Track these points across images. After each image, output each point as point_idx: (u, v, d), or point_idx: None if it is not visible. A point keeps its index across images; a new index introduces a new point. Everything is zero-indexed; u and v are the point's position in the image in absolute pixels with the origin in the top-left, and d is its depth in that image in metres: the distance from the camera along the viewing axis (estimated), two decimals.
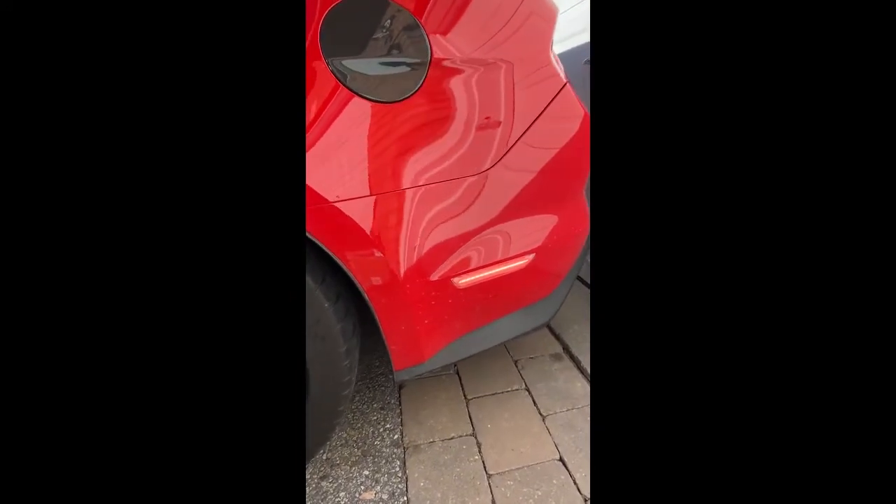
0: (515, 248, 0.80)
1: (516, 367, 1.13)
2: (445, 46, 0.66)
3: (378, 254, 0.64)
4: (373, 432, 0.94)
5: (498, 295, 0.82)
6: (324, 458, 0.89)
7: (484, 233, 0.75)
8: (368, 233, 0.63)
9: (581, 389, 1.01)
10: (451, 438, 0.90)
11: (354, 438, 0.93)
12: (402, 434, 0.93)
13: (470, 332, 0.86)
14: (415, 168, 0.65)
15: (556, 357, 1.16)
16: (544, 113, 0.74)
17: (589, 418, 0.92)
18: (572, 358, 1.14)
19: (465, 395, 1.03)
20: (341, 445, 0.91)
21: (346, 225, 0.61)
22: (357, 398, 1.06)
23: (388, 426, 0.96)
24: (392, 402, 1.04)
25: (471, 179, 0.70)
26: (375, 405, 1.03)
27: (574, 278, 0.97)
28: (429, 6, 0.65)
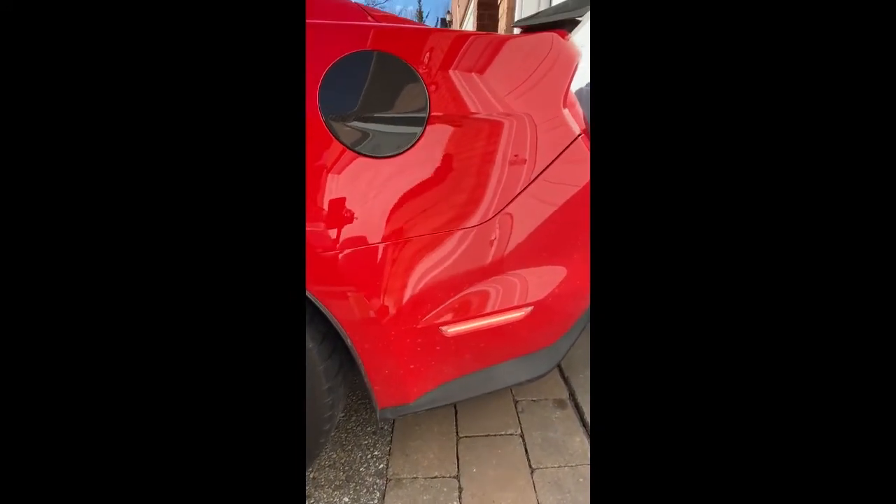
0: (512, 301, 0.77)
1: (516, 408, 1.09)
2: (445, 101, 0.64)
3: (362, 301, 0.65)
4: (360, 457, 0.96)
5: (491, 343, 0.80)
6: (310, 476, 0.92)
7: (477, 284, 0.73)
8: (353, 281, 0.63)
9: (579, 446, 0.96)
10: (435, 478, 0.90)
11: (343, 461, 0.95)
12: (387, 464, 0.94)
13: (463, 376, 0.84)
14: (405, 220, 0.65)
15: (560, 404, 1.11)
16: (551, 165, 0.70)
17: (579, 480, 0.87)
18: (576, 407, 1.09)
19: (457, 432, 1.02)
20: (329, 466, 0.94)
21: (331, 273, 0.62)
22: (353, 418, 1.09)
23: (376, 453, 0.97)
24: (385, 427, 1.05)
25: (460, 232, 0.68)
26: (369, 428, 1.05)
27: (582, 328, 0.92)
28: (429, 60, 0.64)
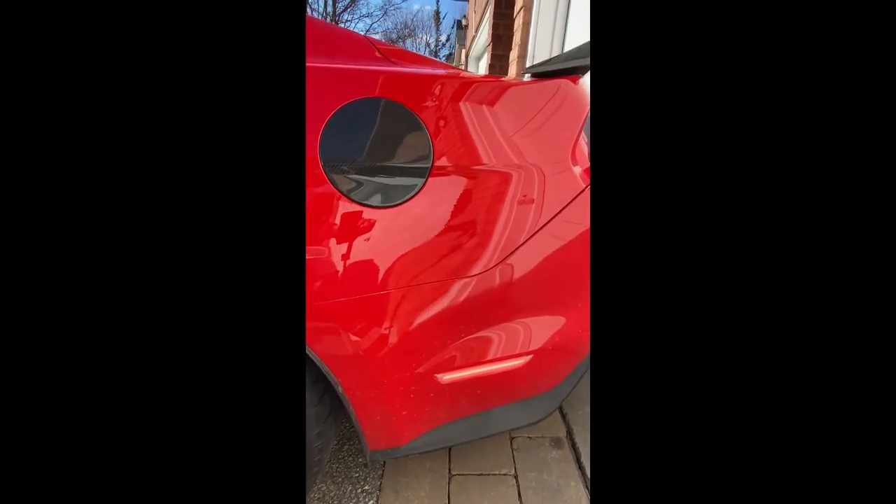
0: (512, 349, 0.75)
1: (511, 446, 1.07)
2: (449, 151, 0.62)
3: (355, 350, 0.63)
4: (350, 491, 0.95)
5: (489, 389, 0.78)
6: None
7: (475, 333, 0.71)
8: (347, 330, 0.62)
9: (573, 492, 0.94)
10: None
11: (332, 494, 0.94)
12: (377, 501, 0.92)
13: (458, 420, 0.82)
14: (403, 269, 0.63)
15: (556, 443, 1.09)
16: (556, 217, 0.68)
17: None
18: (573, 447, 1.06)
19: (449, 470, 1.00)
20: (318, 499, 0.93)
21: (324, 323, 0.61)
22: (345, 447, 1.08)
23: (366, 487, 0.96)
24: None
25: (459, 282, 0.67)
26: (360, 460, 1.04)
27: (585, 370, 0.90)
28: (435, 109, 0.62)
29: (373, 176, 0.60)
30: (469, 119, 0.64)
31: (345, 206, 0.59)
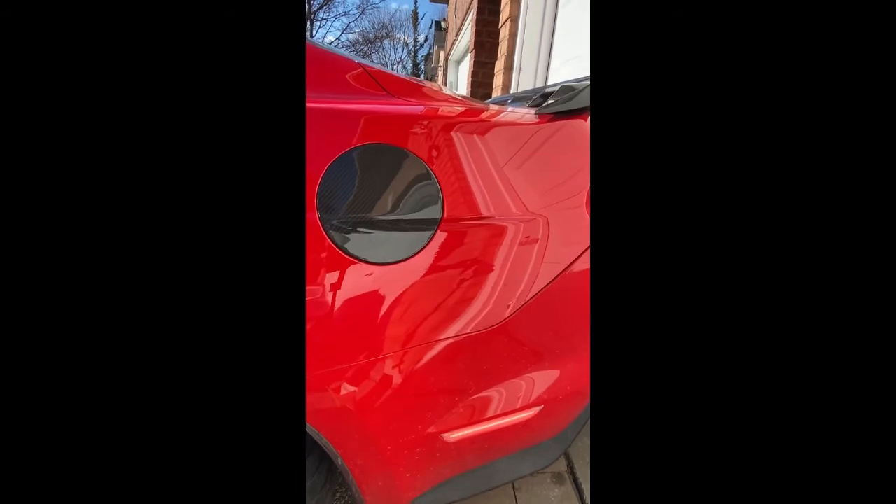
0: (519, 402, 0.71)
1: (512, 486, 1.03)
2: (460, 201, 0.58)
3: (356, 419, 0.58)
4: None
5: (495, 442, 0.74)
6: None
7: (484, 391, 0.67)
8: (348, 400, 0.56)
9: None
10: None
11: None
12: None
13: (462, 474, 0.78)
14: (406, 329, 0.58)
15: (558, 479, 1.05)
16: (567, 269, 0.65)
17: None
18: (575, 483, 1.03)
19: None
20: None
21: (323, 394, 0.55)
22: (338, 494, 1.01)
23: None
24: None
25: (465, 339, 0.62)
26: None
27: (587, 417, 0.87)
28: (444, 154, 0.57)
29: (376, 230, 0.55)
30: (483, 165, 0.59)
31: (344, 265, 0.53)
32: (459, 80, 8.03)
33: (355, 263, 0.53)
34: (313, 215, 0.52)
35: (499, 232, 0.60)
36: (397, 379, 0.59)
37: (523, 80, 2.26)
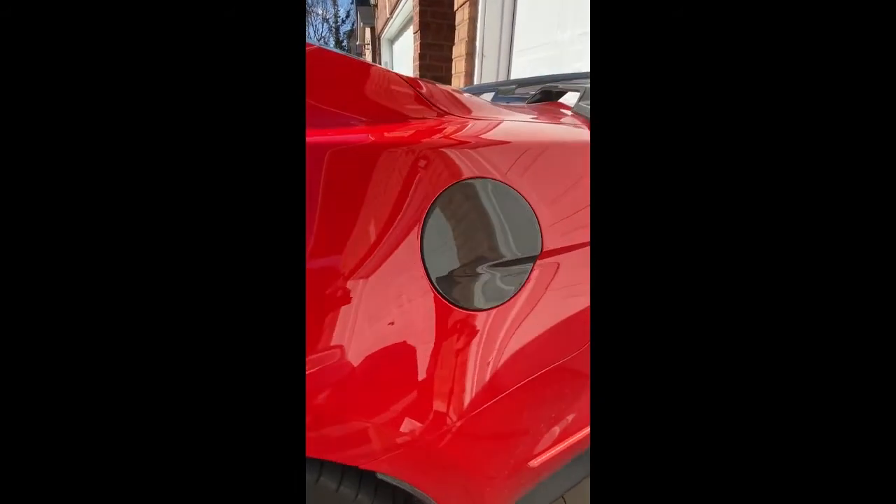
0: (587, 417, 0.72)
1: None
2: (556, 231, 0.55)
3: (466, 479, 0.54)
4: None
5: (564, 456, 0.75)
6: None
7: (568, 415, 0.67)
8: (458, 461, 0.53)
9: None
10: None
11: None
12: None
13: (533, 488, 0.78)
14: (508, 374, 0.55)
15: None
16: None
17: None
18: None
19: None
20: None
21: (433, 461, 0.51)
22: None
23: None
24: None
25: (563, 371, 0.61)
26: None
27: None
28: (538, 182, 0.54)
29: (479, 274, 0.50)
30: (574, 186, 0.56)
31: (451, 315, 0.48)
32: (395, 60, 7.74)
33: (460, 311, 0.49)
34: (419, 267, 0.46)
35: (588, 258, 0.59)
36: (501, 423, 0.56)
37: (487, 67, 2.22)
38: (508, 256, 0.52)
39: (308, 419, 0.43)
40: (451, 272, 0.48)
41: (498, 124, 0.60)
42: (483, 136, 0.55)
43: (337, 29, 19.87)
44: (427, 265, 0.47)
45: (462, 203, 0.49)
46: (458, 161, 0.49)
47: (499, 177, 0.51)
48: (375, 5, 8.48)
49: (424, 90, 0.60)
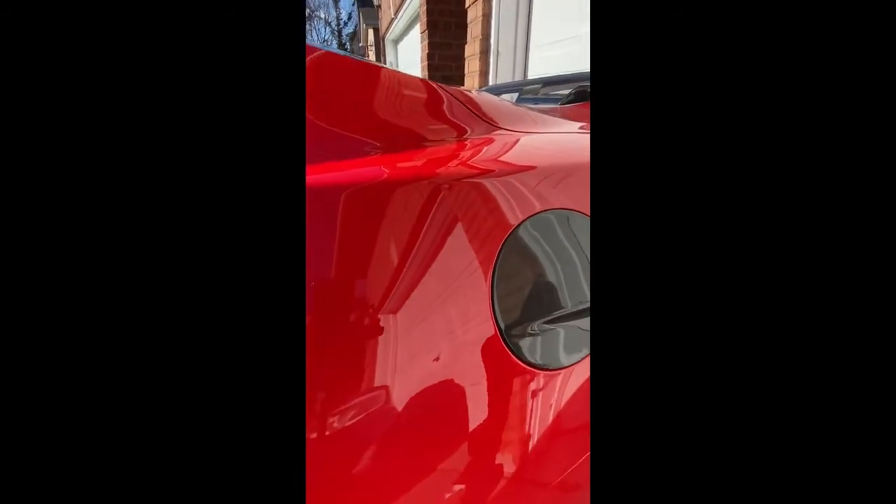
0: None
1: None
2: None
3: None
4: None
5: None
6: None
7: None
8: None
9: None
10: None
11: None
12: None
13: None
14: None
15: None
16: None
17: None
18: None
19: None
20: None
21: None
22: None
23: None
24: None
25: None
26: None
27: None
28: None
29: (555, 327, 0.41)
30: None
31: (530, 378, 0.40)
32: (400, 60, 7.66)
33: (541, 372, 0.40)
34: (489, 321, 0.37)
35: None
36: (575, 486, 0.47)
37: (502, 66, 2.11)
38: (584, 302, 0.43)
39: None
40: (525, 325, 0.39)
41: (568, 141, 0.51)
42: (556, 159, 0.46)
43: (339, 31, 19.87)
44: (498, 317, 0.38)
45: (535, 241, 0.40)
46: (525, 191, 0.40)
47: (576, 207, 0.42)
48: (379, 6, 8.39)
49: (476, 104, 0.51)
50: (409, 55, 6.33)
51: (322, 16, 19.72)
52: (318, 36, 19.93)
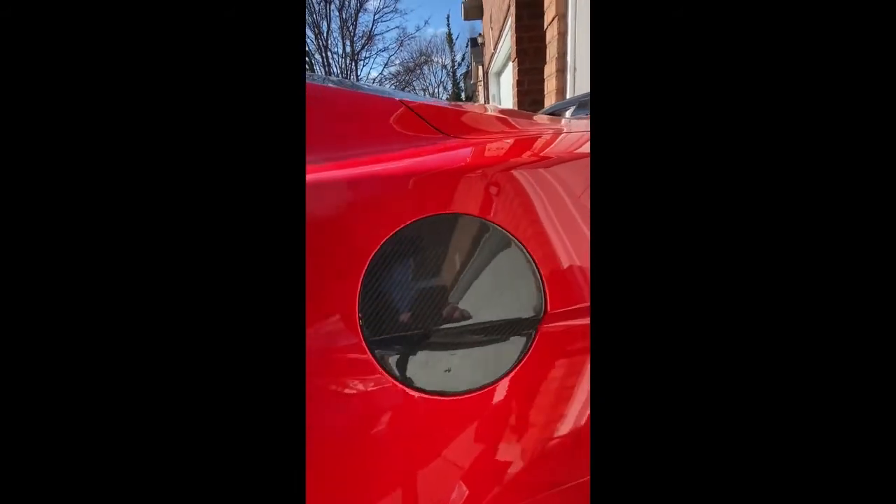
0: None
1: None
2: (563, 288, 0.38)
3: None
4: None
5: None
6: None
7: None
8: None
9: None
10: None
11: None
12: None
13: None
14: (500, 477, 0.38)
15: None
16: None
17: None
18: None
19: None
20: None
21: None
22: None
23: None
24: None
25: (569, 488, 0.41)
26: None
27: None
28: (542, 225, 0.38)
29: (448, 347, 0.36)
30: (576, 237, 0.39)
31: (407, 401, 0.36)
32: (502, 92, 7.88)
33: (420, 394, 0.36)
34: (355, 332, 0.35)
35: None
36: None
37: (580, 81, 2.00)
38: (493, 320, 0.37)
39: None
40: (400, 341, 0.36)
41: (508, 143, 0.46)
42: (480, 158, 0.42)
43: (454, 72, 21.45)
44: (364, 329, 0.35)
45: (422, 246, 0.37)
46: (423, 190, 0.38)
47: (476, 212, 0.38)
48: (482, 43, 8.86)
49: (432, 114, 0.51)
50: (508, 86, 6.47)
51: (438, 60, 21.62)
52: (436, 78, 21.84)
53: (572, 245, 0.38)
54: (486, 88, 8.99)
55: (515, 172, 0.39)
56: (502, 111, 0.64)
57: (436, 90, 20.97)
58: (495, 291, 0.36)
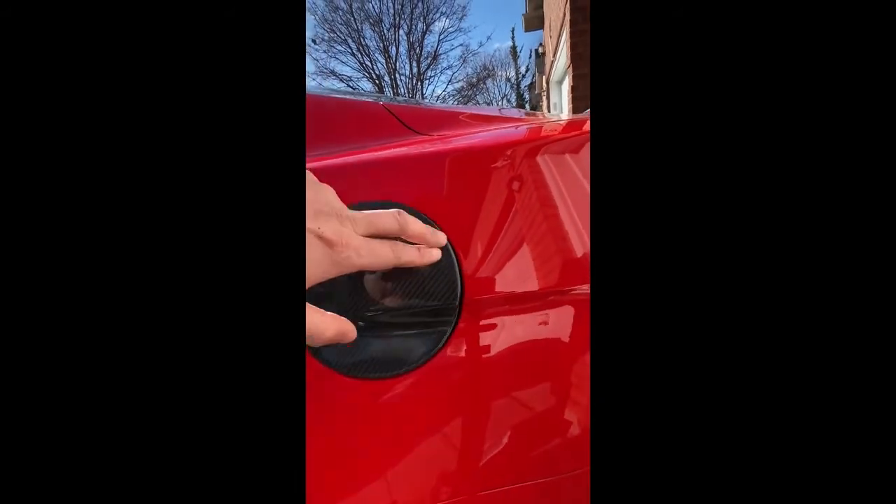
0: None
1: None
2: (490, 277, 0.38)
3: None
4: None
5: None
6: None
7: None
8: None
9: None
10: None
11: None
12: None
13: None
14: (434, 479, 0.38)
15: None
16: None
17: None
18: None
19: None
20: None
21: None
22: None
23: None
24: None
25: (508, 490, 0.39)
26: None
27: None
28: (462, 212, 0.38)
29: (374, 333, 0.38)
30: (506, 230, 0.39)
31: (337, 387, 0.38)
32: (563, 100, 7.70)
33: (347, 380, 0.38)
34: None
35: (548, 314, 0.38)
36: None
37: None
38: (413, 306, 0.38)
39: None
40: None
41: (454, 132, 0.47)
42: (419, 148, 0.44)
43: (518, 84, 21.42)
44: None
45: None
46: (357, 179, 0.40)
47: (406, 201, 0.39)
48: (543, 53, 8.77)
49: (405, 113, 0.54)
50: (567, 93, 6.31)
51: (502, 74, 21.77)
52: (500, 91, 21.99)
53: (497, 235, 0.38)
54: (548, 98, 8.85)
55: (449, 162, 0.40)
56: (487, 111, 0.65)
57: (500, 103, 21.06)
58: (416, 279, 0.37)
